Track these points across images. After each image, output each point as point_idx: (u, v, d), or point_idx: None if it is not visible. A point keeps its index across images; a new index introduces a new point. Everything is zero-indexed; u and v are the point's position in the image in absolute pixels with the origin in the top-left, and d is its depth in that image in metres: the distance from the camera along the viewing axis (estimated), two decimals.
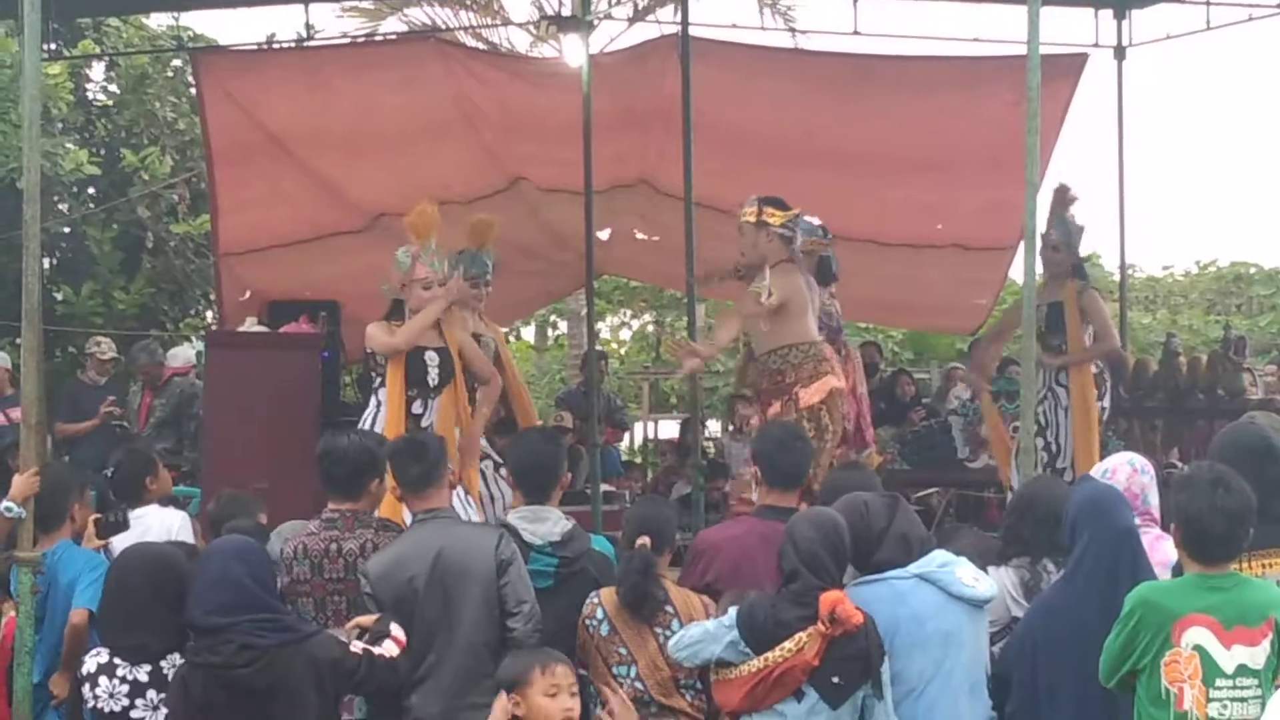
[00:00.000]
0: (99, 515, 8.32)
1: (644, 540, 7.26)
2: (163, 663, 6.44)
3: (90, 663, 6.50)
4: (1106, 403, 11.87)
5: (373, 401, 9.96)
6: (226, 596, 6.24)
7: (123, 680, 6.40)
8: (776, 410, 10.41)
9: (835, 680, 6.24)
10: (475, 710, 6.81)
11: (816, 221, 11.69)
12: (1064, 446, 11.55)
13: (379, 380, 9.94)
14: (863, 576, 6.67)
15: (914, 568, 6.58)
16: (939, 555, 6.68)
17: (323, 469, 7.52)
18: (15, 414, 13.42)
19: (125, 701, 6.38)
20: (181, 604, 6.41)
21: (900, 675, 6.45)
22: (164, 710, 6.37)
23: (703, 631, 6.54)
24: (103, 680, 6.41)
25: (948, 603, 6.54)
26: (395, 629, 6.67)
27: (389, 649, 6.57)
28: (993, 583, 6.83)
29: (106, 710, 6.39)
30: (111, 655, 6.47)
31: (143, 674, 6.41)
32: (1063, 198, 11.76)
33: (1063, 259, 11.68)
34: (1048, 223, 11.59)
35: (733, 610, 6.48)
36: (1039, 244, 10.71)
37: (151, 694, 6.40)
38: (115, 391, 15.20)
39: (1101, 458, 12.56)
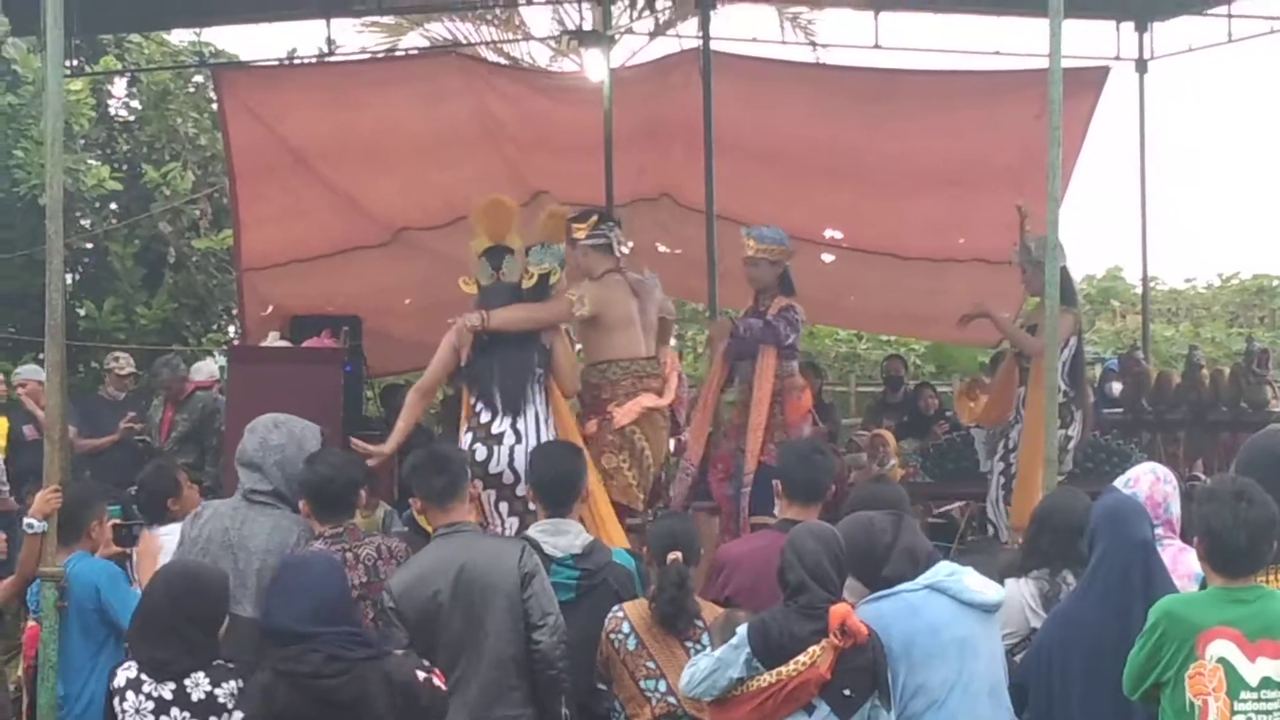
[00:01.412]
0: (118, 522, 8.34)
1: (675, 555, 7.27)
2: (186, 681, 6.43)
3: (120, 676, 6.50)
4: (1074, 432, 11.43)
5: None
6: (317, 605, 6.20)
7: (148, 697, 6.41)
8: (594, 428, 9.92)
9: (846, 692, 6.23)
10: None
11: (775, 232, 11.32)
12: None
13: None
14: (871, 593, 6.66)
15: (923, 579, 6.57)
16: (945, 565, 6.68)
17: (326, 495, 7.43)
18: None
19: (150, 718, 6.40)
20: (209, 625, 6.45)
21: (923, 687, 6.43)
22: None
23: (714, 661, 6.50)
24: (130, 695, 6.42)
25: (960, 610, 6.53)
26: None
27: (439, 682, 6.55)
28: (1001, 589, 6.82)
29: None
30: (139, 670, 6.48)
31: (167, 692, 6.41)
32: (1019, 218, 11.64)
33: (1031, 278, 11.49)
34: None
35: (741, 630, 6.47)
36: (1060, 257, 10.70)
37: (175, 711, 6.39)
38: (135, 407, 15.23)
39: (1102, 472, 12.46)
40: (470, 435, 9.20)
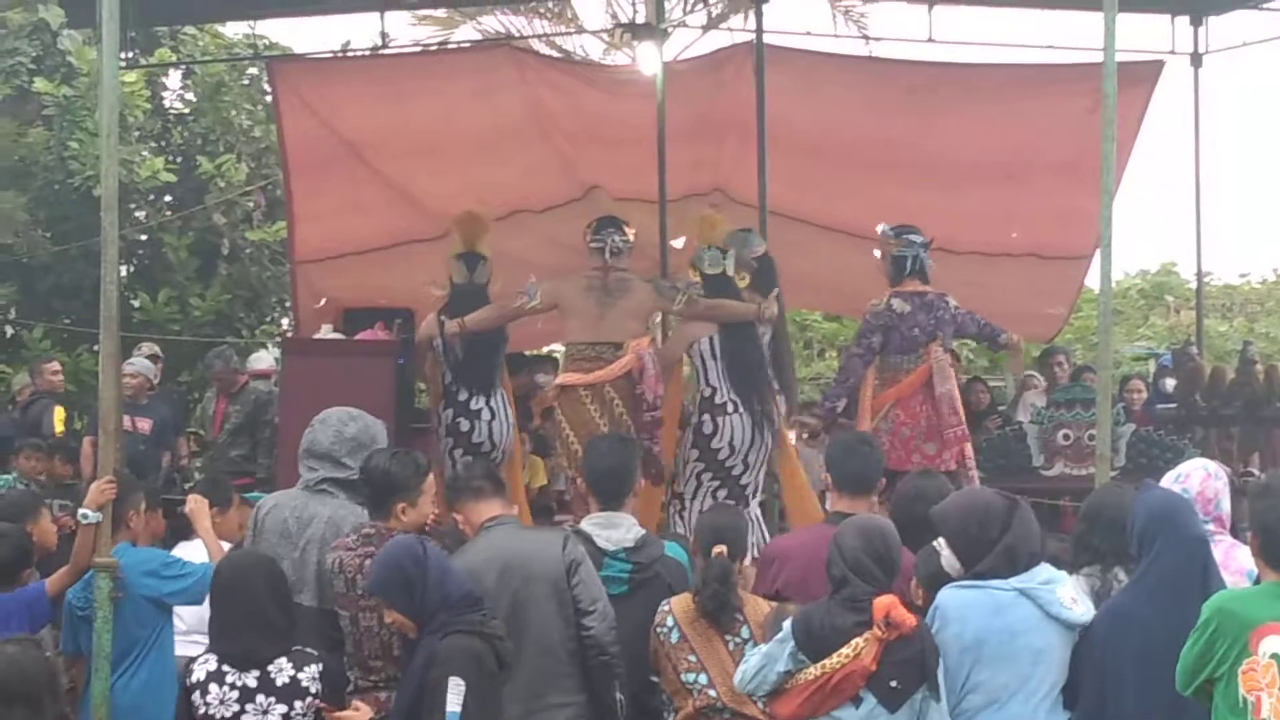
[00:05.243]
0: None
1: (720, 548, 7.27)
2: (270, 668, 6.58)
3: (199, 671, 6.65)
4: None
5: None
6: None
7: (232, 686, 6.55)
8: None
9: (893, 684, 6.24)
10: (556, 710, 6.96)
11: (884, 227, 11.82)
12: None
13: None
14: (966, 579, 6.64)
15: (1016, 581, 6.52)
16: (1043, 571, 6.62)
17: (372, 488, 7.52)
18: (143, 424, 13.54)
19: (236, 708, 6.53)
20: (284, 602, 6.75)
21: (984, 685, 6.43)
22: (276, 713, 6.52)
23: (763, 655, 6.54)
24: (213, 688, 6.56)
25: (1043, 621, 6.50)
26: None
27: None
28: (1089, 606, 6.75)
29: (218, 716, 6.54)
30: (220, 662, 6.62)
31: (251, 680, 6.56)
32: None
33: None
34: None
35: (786, 624, 6.49)
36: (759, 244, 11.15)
37: (261, 698, 6.54)
38: (181, 402, 15.29)
39: (1155, 467, 12.35)
40: (451, 411, 11.40)
